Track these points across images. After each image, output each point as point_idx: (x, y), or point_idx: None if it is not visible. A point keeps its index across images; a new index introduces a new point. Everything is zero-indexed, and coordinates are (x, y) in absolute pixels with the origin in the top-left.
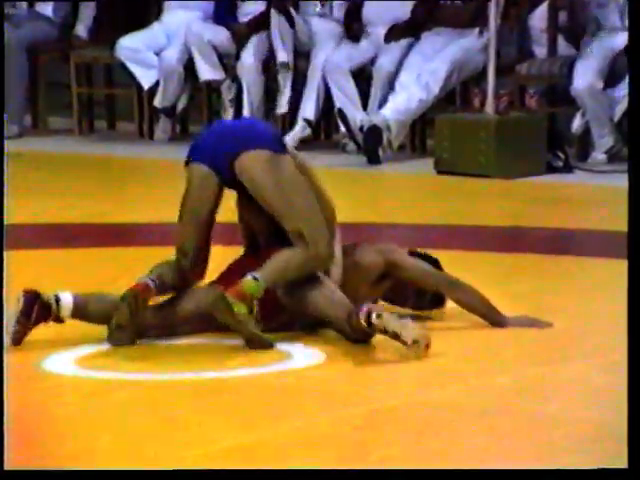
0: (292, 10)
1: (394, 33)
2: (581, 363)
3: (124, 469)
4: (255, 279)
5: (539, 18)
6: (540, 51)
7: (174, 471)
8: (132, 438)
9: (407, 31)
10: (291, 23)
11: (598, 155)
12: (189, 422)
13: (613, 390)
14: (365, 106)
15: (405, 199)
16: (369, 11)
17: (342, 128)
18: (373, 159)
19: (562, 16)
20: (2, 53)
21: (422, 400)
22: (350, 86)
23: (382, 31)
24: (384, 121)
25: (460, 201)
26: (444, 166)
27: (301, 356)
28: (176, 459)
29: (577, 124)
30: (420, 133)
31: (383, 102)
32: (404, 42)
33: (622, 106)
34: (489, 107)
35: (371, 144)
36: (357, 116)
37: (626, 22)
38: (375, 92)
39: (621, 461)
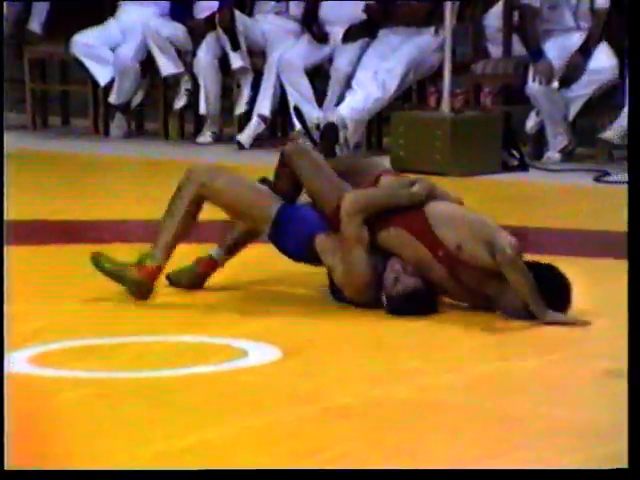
0: (240, 20)
1: (351, 33)
2: (536, 359)
3: (121, 469)
4: None
5: (494, 18)
6: (495, 50)
7: (169, 471)
8: (85, 436)
9: (364, 31)
10: (235, 45)
11: (552, 154)
12: (142, 420)
13: (566, 385)
14: (321, 104)
15: None
16: (326, 11)
17: (298, 125)
18: (330, 156)
19: (517, 16)
20: (2, 53)
21: (377, 397)
22: (305, 84)
23: (339, 30)
24: (341, 119)
25: None
26: (400, 164)
27: (256, 353)
28: (129, 457)
29: (532, 123)
30: (376, 131)
31: (340, 100)
32: (361, 41)
33: (576, 106)
34: (445, 105)
35: (328, 142)
36: (313, 114)
37: (580, 22)
38: (332, 90)
39: (577, 456)
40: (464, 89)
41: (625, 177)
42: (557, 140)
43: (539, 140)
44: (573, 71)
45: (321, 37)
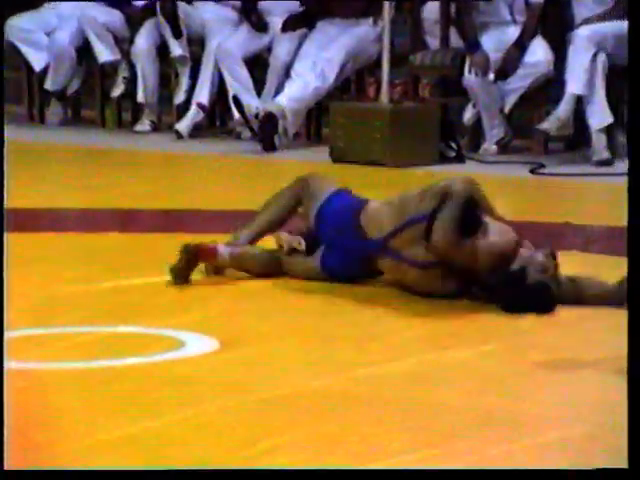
0: (180, 8)
1: (290, 23)
2: (471, 350)
3: (121, 469)
4: None
5: (432, 9)
6: (433, 42)
7: (168, 471)
8: (18, 429)
9: (303, 21)
10: (177, 32)
11: (489, 146)
12: (77, 412)
13: (500, 376)
14: (260, 94)
15: None
16: (266, 0)
17: (237, 115)
18: (268, 146)
19: (454, 8)
20: (2, 53)
21: (314, 388)
22: (243, 73)
23: (279, 20)
24: (279, 109)
25: (354, 189)
26: (339, 154)
27: (194, 344)
28: (64, 450)
29: (468, 115)
30: (315, 121)
31: (279, 90)
32: (300, 32)
33: (512, 98)
34: (383, 96)
35: (267, 132)
36: (252, 103)
37: (516, 16)
38: (271, 80)
39: (512, 446)
40: (402, 80)
41: (559, 169)
42: (493, 132)
43: (476, 132)
44: (509, 64)
45: (260, 26)
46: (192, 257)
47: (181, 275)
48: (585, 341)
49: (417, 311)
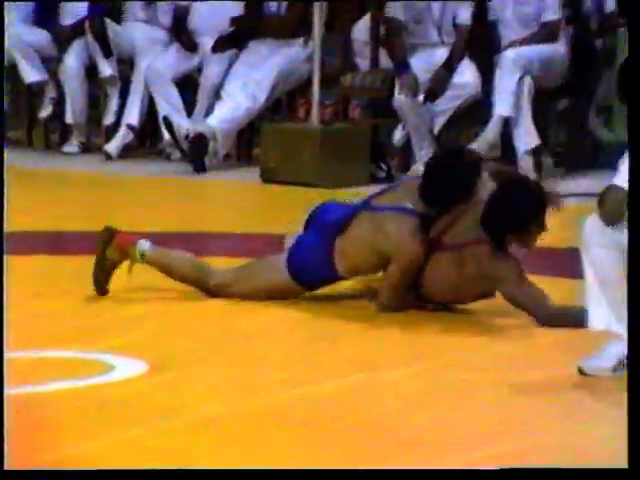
0: (110, 27)
1: (221, 43)
2: (402, 369)
3: (120, 469)
4: None
5: (362, 30)
6: (363, 63)
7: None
8: None
9: (233, 41)
10: (106, 52)
11: (418, 166)
12: (7, 437)
13: (431, 395)
14: (191, 115)
15: (231, 208)
16: (196, 20)
17: (167, 136)
18: (199, 168)
19: (384, 29)
20: (2, 54)
21: (244, 409)
22: (174, 94)
23: (209, 40)
24: (210, 130)
25: (286, 210)
26: (270, 175)
27: (123, 367)
28: None
29: (398, 136)
30: (246, 142)
31: (209, 111)
32: (230, 52)
33: (441, 119)
34: (314, 117)
35: (197, 153)
36: (182, 124)
37: (444, 37)
38: (201, 101)
39: (443, 462)
40: (333, 101)
41: None
42: (423, 153)
43: (406, 153)
44: (438, 85)
45: (190, 46)
46: (108, 237)
47: (100, 265)
48: (515, 360)
49: (346, 332)
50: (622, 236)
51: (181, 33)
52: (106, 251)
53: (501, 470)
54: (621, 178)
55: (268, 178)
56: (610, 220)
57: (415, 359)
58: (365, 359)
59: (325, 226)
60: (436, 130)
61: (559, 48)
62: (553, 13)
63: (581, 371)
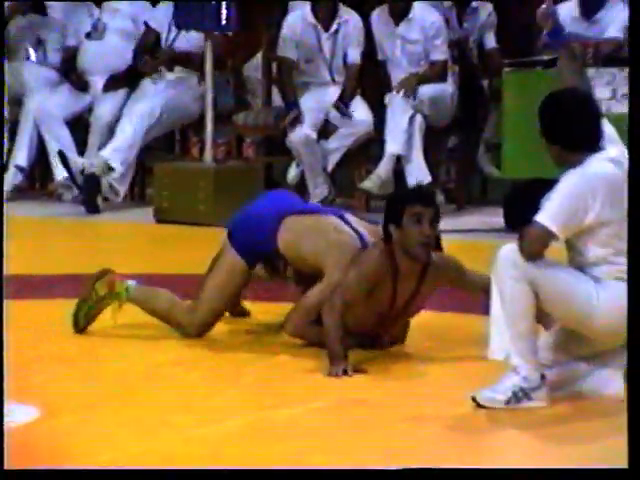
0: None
1: (112, 82)
2: (300, 406)
3: (122, 468)
4: None
5: (254, 68)
6: (256, 101)
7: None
8: None
9: (126, 80)
10: None
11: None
12: None
13: (328, 432)
14: (82, 155)
15: (125, 248)
16: (85, 60)
17: (59, 177)
18: (91, 208)
19: (276, 68)
20: (2, 55)
21: (141, 452)
22: (64, 134)
23: (99, 80)
24: (105, 163)
25: (180, 250)
26: (164, 215)
27: (14, 413)
28: None
29: (293, 174)
30: (139, 182)
31: (102, 150)
32: (123, 91)
33: (334, 157)
34: (207, 156)
35: (89, 193)
36: (78, 159)
37: (335, 76)
38: (93, 141)
39: None
40: (226, 140)
41: None
42: (317, 190)
43: (300, 190)
44: (331, 123)
45: (81, 86)
46: (102, 274)
47: (85, 299)
48: (415, 395)
49: (242, 371)
50: (536, 271)
51: (71, 73)
52: (95, 284)
53: (501, 470)
54: (544, 215)
55: (162, 218)
56: (529, 255)
57: (313, 397)
58: (263, 397)
59: (285, 205)
60: (330, 168)
61: (448, 87)
62: (441, 53)
63: (475, 402)
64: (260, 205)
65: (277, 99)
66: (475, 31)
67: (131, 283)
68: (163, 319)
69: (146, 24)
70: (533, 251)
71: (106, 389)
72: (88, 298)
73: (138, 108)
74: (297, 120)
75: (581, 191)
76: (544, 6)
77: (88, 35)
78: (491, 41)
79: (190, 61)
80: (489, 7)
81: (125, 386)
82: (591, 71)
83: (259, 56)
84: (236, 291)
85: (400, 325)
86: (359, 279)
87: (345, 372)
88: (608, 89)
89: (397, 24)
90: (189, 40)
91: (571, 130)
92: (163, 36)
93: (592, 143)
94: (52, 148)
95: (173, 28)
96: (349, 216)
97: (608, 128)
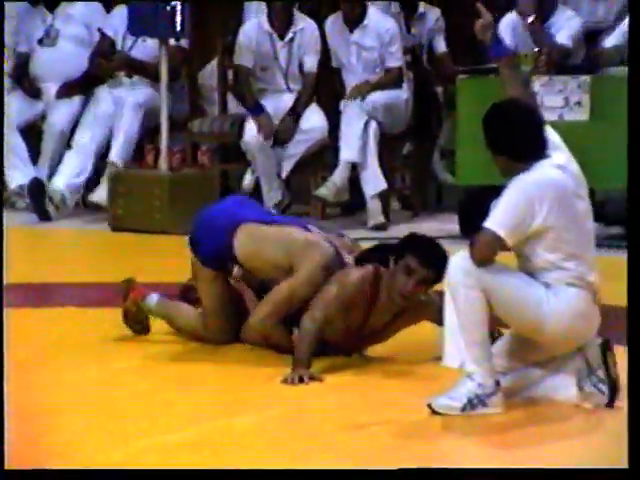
0: None
1: (65, 89)
2: (257, 415)
3: (122, 469)
4: None
5: (209, 76)
6: (211, 109)
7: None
8: None
9: (80, 87)
10: None
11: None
12: None
13: (286, 439)
14: (36, 163)
15: (80, 257)
16: (37, 67)
17: (12, 184)
18: (42, 216)
19: (232, 74)
20: (2, 57)
21: (99, 461)
22: (18, 142)
23: (52, 87)
24: (59, 191)
25: (136, 258)
26: (119, 223)
27: None
28: None
29: (248, 180)
30: (94, 188)
31: (56, 158)
32: (77, 98)
33: (289, 164)
34: (163, 164)
35: (36, 200)
36: (30, 172)
37: (290, 84)
38: (46, 149)
39: None
40: (181, 147)
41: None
42: (272, 195)
43: (255, 196)
44: (285, 130)
45: (33, 93)
46: (126, 289)
47: (126, 315)
48: (370, 403)
49: (200, 379)
50: (487, 278)
51: (23, 79)
52: (126, 303)
53: (502, 470)
54: (492, 221)
55: (117, 226)
56: (479, 261)
57: (269, 405)
58: (221, 406)
59: (242, 212)
60: (284, 174)
61: (402, 94)
62: (396, 60)
63: (431, 408)
64: (214, 211)
65: (232, 106)
66: (424, 36)
67: (152, 302)
68: (188, 335)
69: (100, 31)
70: (483, 257)
71: (63, 399)
72: (127, 315)
73: (101, 132)
74: (267, 123)
75: (528, 197)
76: (481, 20)
77: (40, 41)
78: (441, 46)
79: (145, 69)
80: (437, 12)
81: (82, 396)
82: (543, 79)
83: (214, 63)
84: (224, 295)
85: (369, 344)
86: (337, 298)
87: (302, 380)
88: (560, 97)
89: (352, 31)
90: (145, 48)
91: (515, 140)
92: (119, 43)
93: (537, 152)
94: (5, 157)
95: (129, 35)
96: (313, 227)
97: (552, 136)
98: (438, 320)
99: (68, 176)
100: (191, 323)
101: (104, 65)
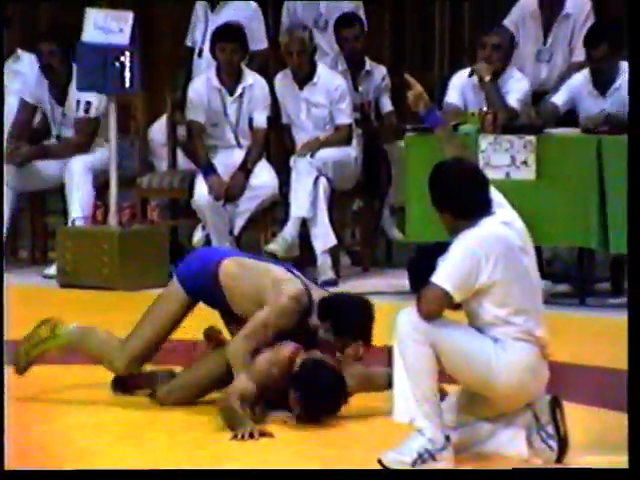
0: None
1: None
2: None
3: (123, 469)
4: None
5: (158, 132)
6: (160, 164)
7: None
8: None
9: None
10: None
11: None
12: None
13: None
14: None
15: (28, 314)
16: None
17: None
18: None
19: (181, 130)
20: (2, 58)
21: None
22: None
23: None
24: None
25: (85, 314)
26: (67, 279)
27: None
28: None
29: (198, 236)
30: (42, 245)
31: None
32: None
33: (240, 220)
34: (112, 219)
35: None
36: None
37: (241, 140)
38: None
39: None
40: (130, 203)
41: None
42: None
43: None
44: (236, 187)
45: None
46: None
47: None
48: (320, 457)
49: (147, 435)
50: (435, 333)
51: None
52: (40, 327)
53: (502, 470)
54: (439, 276)
55: (65, 281)
56: (426, 316)
57: (223, 461)
58: (170, 462)
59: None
60: (236, 231)
61: (352, 151)
62: (346, 117)
63: (381, 464)
64: (202, 249)
65: (182, 162)
66: (371, 94)
67: (73, 326)
68: (96, 358)
69: (23, 100)
70: (430, 311)
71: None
72: (30, 338)
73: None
74: (218, 185)
75: (474, 252)
76: (412, 91)
77: None
78: (387, 104)
79: (64, 150)
80: (383, 70)
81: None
82: (490, 138)
83: (163, 119)
84: (172, 319)
85: None
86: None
87: (251, 435)
88: (507, 156)
89: (301, 88)
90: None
91: (460, 198)
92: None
93: (481, 209)
94: None
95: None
96: (295, 270)
97: (496, 196)
98: (386, 386)
99: None
100: (99, 345)
101: (14, 153)
